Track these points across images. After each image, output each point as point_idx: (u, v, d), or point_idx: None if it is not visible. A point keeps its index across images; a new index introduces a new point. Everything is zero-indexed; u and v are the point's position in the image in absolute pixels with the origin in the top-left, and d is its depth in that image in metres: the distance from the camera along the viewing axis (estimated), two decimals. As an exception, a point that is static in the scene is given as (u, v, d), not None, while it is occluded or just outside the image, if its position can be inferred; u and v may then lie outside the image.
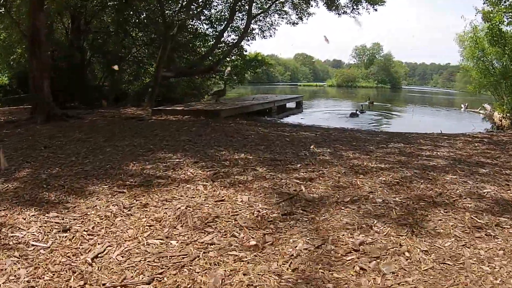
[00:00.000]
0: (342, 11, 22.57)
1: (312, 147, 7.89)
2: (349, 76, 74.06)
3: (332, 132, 11.41)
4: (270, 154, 7.10)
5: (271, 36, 24.30)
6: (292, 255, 3.21)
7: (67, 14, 19.99)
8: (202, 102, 19.87)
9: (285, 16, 23.69)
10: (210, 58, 22.09)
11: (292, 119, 17.50)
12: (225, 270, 2.97)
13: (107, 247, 3.37)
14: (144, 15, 20.71)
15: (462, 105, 27.32)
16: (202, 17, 22.67)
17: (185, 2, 19.87)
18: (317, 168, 6.09)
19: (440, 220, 4.10)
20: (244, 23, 21.68)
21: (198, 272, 2.95)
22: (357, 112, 20.50)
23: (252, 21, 22.75)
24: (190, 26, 22.39)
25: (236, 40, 21.89)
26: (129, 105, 18.64)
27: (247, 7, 21.57)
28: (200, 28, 23.18)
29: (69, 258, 3.19)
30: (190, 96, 22.57)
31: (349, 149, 8.17)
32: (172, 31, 18.47)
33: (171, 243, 3.42)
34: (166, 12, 19.26)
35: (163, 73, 20.10)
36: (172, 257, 3.17)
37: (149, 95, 18.17)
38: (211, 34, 23.12)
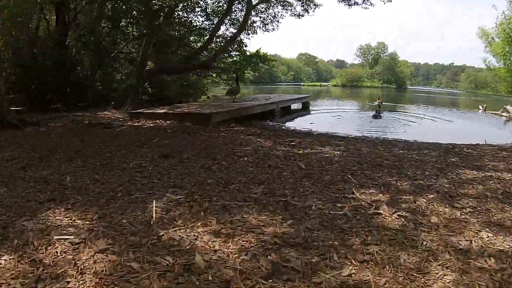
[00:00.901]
0: (353, 1, 18.77)
1: None
2: (353, 76, 69.07)
3: (360, 145, 7.69)
4: (273, 216, 3.37)
5: (274, 29, 20.45)
6: None
7: (51, 8, 16.65)
8: (195, 102, 16.14)
9: (289, 7, 19.86)
10: (206, 53, 18.35)
11: (299, 124, 13.72)
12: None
13: None
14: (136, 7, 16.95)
15: (480, 107, 23.66)
16: (197, 9, 18.96)
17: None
18: (395, 279, 2.34)
19: None
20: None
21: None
22: (379, 113, 17.03)
23: (253, 13, 19.10)
24: (183, 18, 18.72)
25: (234, 33, 18.10)
26: (110, 107, 15.15)
27: (246, -4, 17.86)
28: (195, 20, 19.49)
29: None
30: (186, 96, 18.91)
31: (411, 187, 4.54)
32: (158, 20, 14.75)
33: None
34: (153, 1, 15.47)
35: (150, 70, 16.63)
36: None
37: (132, 96, 14.48)
38: (207, 27, 19.38)
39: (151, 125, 10.50)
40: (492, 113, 21.85)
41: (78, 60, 17.00)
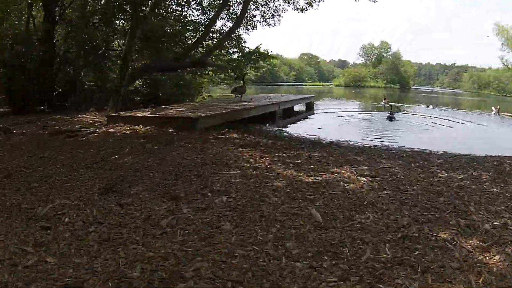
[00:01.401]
0: (361, -7, 16.53)
1: None
2: (356, 76, 66.19)
3: (387, 163, 5.51)
4: None
5: (275, 24, 18.18)
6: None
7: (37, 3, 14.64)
8: (187, 104, 13.95)
9: (292, 0, 17.60)
10: (202, 50, 16.16)
11: (304, 128, 11.52)
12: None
13: None
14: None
15: (493, 108, 21.44)
16: (192, 2, 16.80)
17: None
18: None
19: None
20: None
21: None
22: (393, 114, 14.97)
23: (253, 6, 16.99)
24: (177, 12, 16.60)
25: (231, 27, 15.90)
26: (93, 109, 13.13)
27: (244, -13, 15.64)
28: (190, 15, 17.36)
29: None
30: (182, 96, 16.76)
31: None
32: (144, 11, 12.56)
33: None
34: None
35: (137, 68, 14.53)
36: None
37: (114, 97, 12.26)
38: (203, 22, 17.20)
39: (126, 132, 8.43)
40: (506, 115, 19.75)
41: (67, 58, 15.00)
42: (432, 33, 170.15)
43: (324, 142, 8.37)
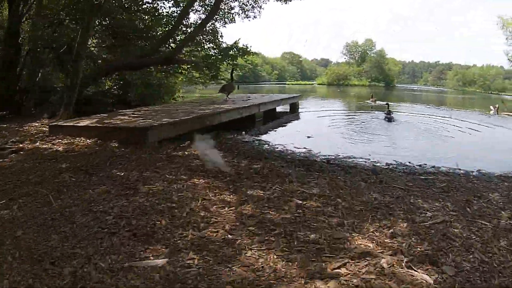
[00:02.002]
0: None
1: None
2: (340, 74, 62.88)
3: (438, 217, 3.31)
4: None
5: (255, 17, 16.05)
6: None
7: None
8: (150, 107, 11.54)
9: (274, -9, 15.36)
10: (172, 46, 13.84)
11: (290, 137, 9.18)
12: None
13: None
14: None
15: (492, 107, 19.64)
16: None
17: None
18: None
19: None
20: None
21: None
22: (391, 114, 13.18)
23: (230, -4, 14.82)
24: (147, 4, 14.29)
25: (204, 18, 13.59)
26: (45, 116, 10.72)
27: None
28: (162, 7, 15.09)
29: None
30: (154, 97, 14.48)
31: None
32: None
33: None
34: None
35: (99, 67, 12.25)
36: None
37: (66, 101, 9.82)
38: (176, 15, 14.88)
39: (60, 148, 6.18)
40: (507, 114, 17.94)
41: (32, 57, 12.60)
42: (415, 24, 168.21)
43: (318, 160, 6.11)
